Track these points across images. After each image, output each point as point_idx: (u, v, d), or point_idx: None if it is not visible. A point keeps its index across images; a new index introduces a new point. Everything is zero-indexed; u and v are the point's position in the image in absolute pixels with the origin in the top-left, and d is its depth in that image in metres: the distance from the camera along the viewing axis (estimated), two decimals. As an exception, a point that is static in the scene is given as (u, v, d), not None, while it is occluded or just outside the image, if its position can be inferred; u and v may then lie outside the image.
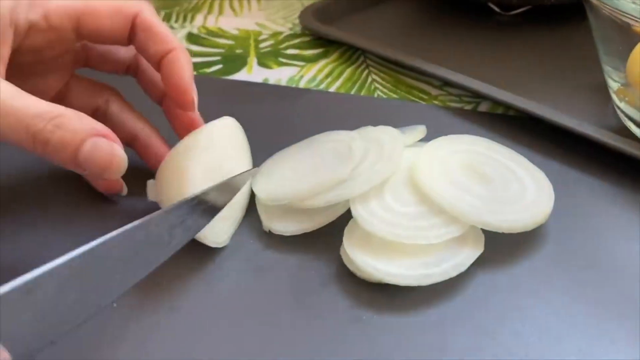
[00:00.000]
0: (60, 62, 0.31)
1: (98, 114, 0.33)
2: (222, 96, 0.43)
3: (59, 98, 0.32)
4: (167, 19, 0.57)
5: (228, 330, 0.25)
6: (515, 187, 0.29)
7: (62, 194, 0.33)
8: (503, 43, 0.48)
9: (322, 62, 0.47)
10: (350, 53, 0.48)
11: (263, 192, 0.30)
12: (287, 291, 0.27)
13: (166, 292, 0.27)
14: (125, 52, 0.33)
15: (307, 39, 0.51)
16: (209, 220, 0.28)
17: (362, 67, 0.46)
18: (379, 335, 0.25)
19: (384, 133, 0.31)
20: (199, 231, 0.27)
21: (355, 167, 0.29)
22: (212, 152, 0.29)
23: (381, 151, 0.30)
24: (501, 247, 0.28)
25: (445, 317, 0.25)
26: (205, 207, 0.27)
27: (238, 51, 0.50)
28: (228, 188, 0.29)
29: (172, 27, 0.55)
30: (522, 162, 0.31)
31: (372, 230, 0.27)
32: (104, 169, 0.25)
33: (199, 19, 0.56)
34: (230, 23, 0.56)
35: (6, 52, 0.26)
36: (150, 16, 0.29)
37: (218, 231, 0.29)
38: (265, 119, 0.39)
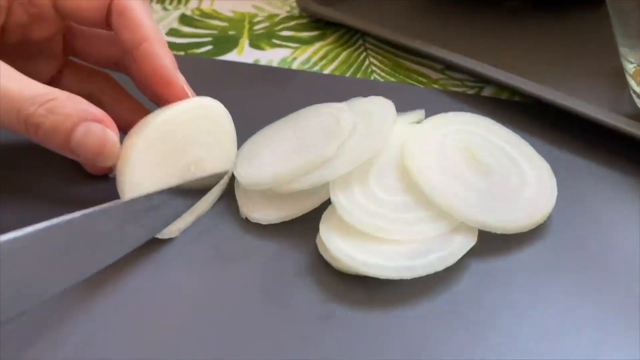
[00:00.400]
0: (49, 46, 0.30)
1: (92, 101, 0.31)
2: (208, 77, 0.40)
3: (52, 84, 0.30)
4: (161, 1, 0.54)
5: (182, 324, 0.23)
6: (515, 181, 0.26)
7: (52, 173, 0.31)
8: (511, 28, 0.44)
9: (317, 45, 0.44)
10: (348, 36, 0.45)
11: (242, 176, 0.28)
12: (256, 282, 0.24)
13: (115, 278, 0.25)
14: (114, 44, 0.31)
15: (303, 21, 0.48)
16: (168, 221, 0.26)
17: (360, 50, 0.43)
18: (353, 333, 0.22)
19: (374, 104, 0.28)
20: (159, 232, 0.25)
21: (342, 144, 0.26)
22: (175, 134, 0.26)
23: (370, 123, 0.27)
24: (497, 238, 0.25)
25: (430, 314, 0.23)
26: (165, 207, 0.25)
27: (231, 32, 0.47)
28: (192, 190, 0.26)
29: (165, 9, 0.52)
30: (526, 150, 0.28)
31: (350, 220, 0.24)
32: (97, 155, 0.24)
33: (193, 2, 0.54)
34: (225, 5, 0.53)
35: None
36: (127, 2, 0.27)
37: None
38: (253, 101, 0.37)
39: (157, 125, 0.25)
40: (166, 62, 0.27)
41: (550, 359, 0.21)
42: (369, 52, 0.43)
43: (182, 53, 0.45)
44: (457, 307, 0.23)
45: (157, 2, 0.54)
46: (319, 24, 0.47)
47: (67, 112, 0.24)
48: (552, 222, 0.26)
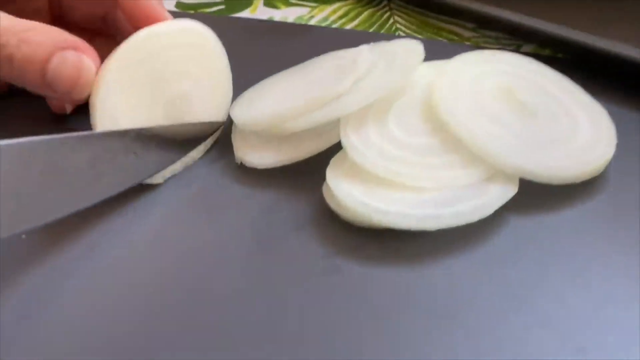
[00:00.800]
0: (35, 5, 0.27)
1: (108, 20, 0.28)
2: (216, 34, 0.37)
3: (58, 17, 0.28)
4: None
5: (161, 279, 0.19)
6: (565, 124, 0.22)
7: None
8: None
9: (338, 4, 0.40)
10: (372, -3, 0.41)
11: (238, 115, 0.24)
12: (248, 233, 0.20)
13: (88, 225, 0.21)
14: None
15: (324, -18, 0.44)
16: (151, 170, 0.22)
17: (384, 9, 0.39)
18: (360, 290, 0.18)
19: (399, 45, 0.24)
20: (143, 178, 0.22)
21: (358, 81, 0.22)
22: (156, 59, 0.22)
23: (392, 63, 0.23)
24: (542, 191, 0.20)
25: (459, 272, 0.18)
26: (147, 154, 0.22)
27: (245, -7, 0.44)
28: (180, 138, 0.23)
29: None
30: (577, 94, 0.23)
31: (362, 163, 0.20)
32: (73, 85, 0.21)
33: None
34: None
35: None
36: None
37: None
38: (263, 56, 0.33)
39: (133, 44, 0.21)
40: (152, 2, 0.24)
41: (610, 327, 0.16)
42: (394, 11, 0.39)
43: (191, 12, 0.41)
44: (493, 266, 0.18)
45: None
46: (341, -14, 0.43)
47: (40, 40, 0.21)
48: (609, 175, 0.21)
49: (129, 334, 0.17)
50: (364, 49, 0.24)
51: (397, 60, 0.23)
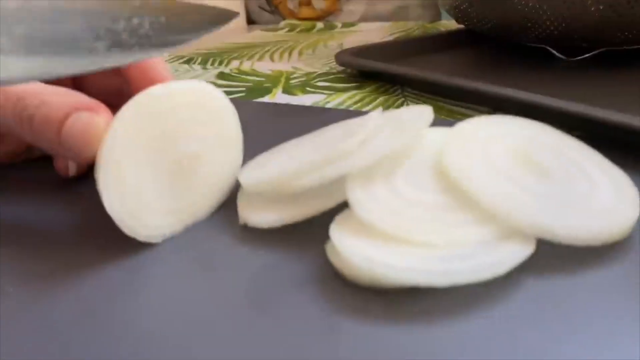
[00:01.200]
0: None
1: (124, 95, 0.29)
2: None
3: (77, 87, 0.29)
4: (203, 62, 0.54)
5: (154, 339, 0.17)
6: (585, 186, 0.21)
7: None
8: (566, 89, 0.40)
9: (353, 92, 0.42)
10: (386, 87, 0.42)
11: (245, 177, 0.24)
12: (245, 292, 0.19)
13: (78, 284, 0.20)
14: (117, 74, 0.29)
15: (341, 75, 0.46)
16: (161, 48, 0.21)
17: (398, 97, 0.40)
18: (361, 350, 0.16)
19: (409, 111, 0.24)
20: (133, 59, 0.21)
21: (365, 141, 0.22)
22: (163, 119, 0.22)
23: (400, 125, 0.23)
24: (561, 253, 0.19)
25: (465, 333, 0.16)
26: (143, 28, 0.21)
27: (266, 85, 0.45)
28: (185, 18, 0.22)
29: (205, 69, 0.52)
30: (596, 158, 0.22)
31: (368, 219, 0.19)
32: (84, 143, 0.21)
33: (234, 63, 0.54)
34: (266, 65, 0.52)
35: None
36: None
37: (148, 222, 0.22)
38: (278, 133, 0.33)
39: (142, 100, 0.21)
40: (160, 68, 0.25)
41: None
42: (408, 98, 0.40)
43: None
44: (506, 329, 0.16)
45: (198, 63, 0.54)
46: (357, 79, 0.45)
47: (58, 101, 0.22)
48: (635, 240, 0.20)
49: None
50: (373, 114, 0.24)
51: (406, 123, 0.23)
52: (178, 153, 0.23)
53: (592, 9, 0.39)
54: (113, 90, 0.29)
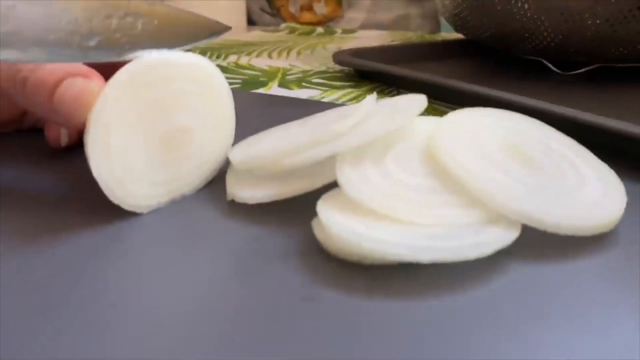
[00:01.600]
0: None
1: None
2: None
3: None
4: (201, 54, 0.54)
5: (135, 305, 0.17)
6: (573, 179, 0.21)
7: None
8: (558, 100, 0.41)
9: (349, 90, 0.42)
10: (382, 88, 0.42)
11: (235, 155, 0.23)
12: (226, 262, 0.19)
13: (56, 244, 0.20)
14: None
15: (338, 74, 0.46)
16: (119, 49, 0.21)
17: (393, 95, 0.40)
18: (340, 319, 0.16)
19: (403, 99, 0.24)
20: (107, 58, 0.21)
21: (358, 124, 0.22)
22: (155, 88, 0.22)
23: (394, 109, 0.23)
24: (547, 240, 0.19)
25: (446, 309, 0.16)
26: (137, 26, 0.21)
27: (261, 79, 0.46)
28: (168, 25, 0.22)
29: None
30: (584, 153, 0.22)
31: (358, 197, 0.19)
32: (75, 108, 0.21)
33: (232, 58, 0.54)
34: (263, 61, 0.52)
35: None
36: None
37: (134, 191, 0.21)
38: (270, 119, 0.33)
39: (138, 66, 0.21)
40: None
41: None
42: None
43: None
44: (486, 308, 0.16)
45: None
46: (354, 78, 0.45)
47: (53, 66, 0.22)
48: (619, 233, 0.20)
49: None
50: (367, 100, 0.24)
51: (400, 108, 0.23)
52: (170, 124, 0.23)
53: (589, 22, 0.39)
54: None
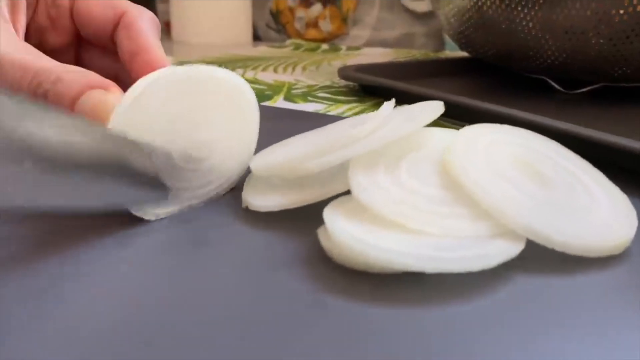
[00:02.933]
0: (62, 58, 0.28)
1: (119, 81, 0.29)
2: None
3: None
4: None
5: (145, 308, 0.17)
6: (583, 199, 0.21)
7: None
8: (561, 118, 0.41)
9: (354, 104, 0.42)
10: (387, 103, 0.43)
11: (258, 163, 0.23)
12: (234, 268, 0.19)
13: (63, 256, 0.20)
14: (116, 60, 0.29)
15: (343, 89, 0.47)
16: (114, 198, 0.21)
17: (399, 112, 0.41)
18: (344, 326, 0.16)
19: (419, 105, 0.24)
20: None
21: (374, 130, 0.22)
22: (177, 103, 0.22)
23: (411, 116, 0.23)
24: (555, 253, 0.19)
25: (450, 319, 0.16)
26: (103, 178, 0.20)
27: (267, 93, 0.46)
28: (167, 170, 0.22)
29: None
30: (595, 174, 0.22)
31: (367, 202, 0.19)
32: (93, 119, 0.21)
33: (238, 72, 0.54)
34: (269, 76, 0.53)
35: (23, 20, 0.27)
36: (137, 18, 0.27)
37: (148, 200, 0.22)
38: (280, 133, 0.33)
39: (165, 78, 0.21)
40: (162, 60, 0.25)
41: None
42: (408, 113, 0.40)
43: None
44: (490, 319, 0.16)
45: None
46: (359, 93, 0.45)
47: (74, 79, 0.22)
48: (627, 249, 0.20)
49: None
50: (385, 107, 0.24)
51: (416, 114, 0.23)
52: (195, 136, 0.22)
53: (593, 41, 0.39)
54: (110, 77, 0.30)
